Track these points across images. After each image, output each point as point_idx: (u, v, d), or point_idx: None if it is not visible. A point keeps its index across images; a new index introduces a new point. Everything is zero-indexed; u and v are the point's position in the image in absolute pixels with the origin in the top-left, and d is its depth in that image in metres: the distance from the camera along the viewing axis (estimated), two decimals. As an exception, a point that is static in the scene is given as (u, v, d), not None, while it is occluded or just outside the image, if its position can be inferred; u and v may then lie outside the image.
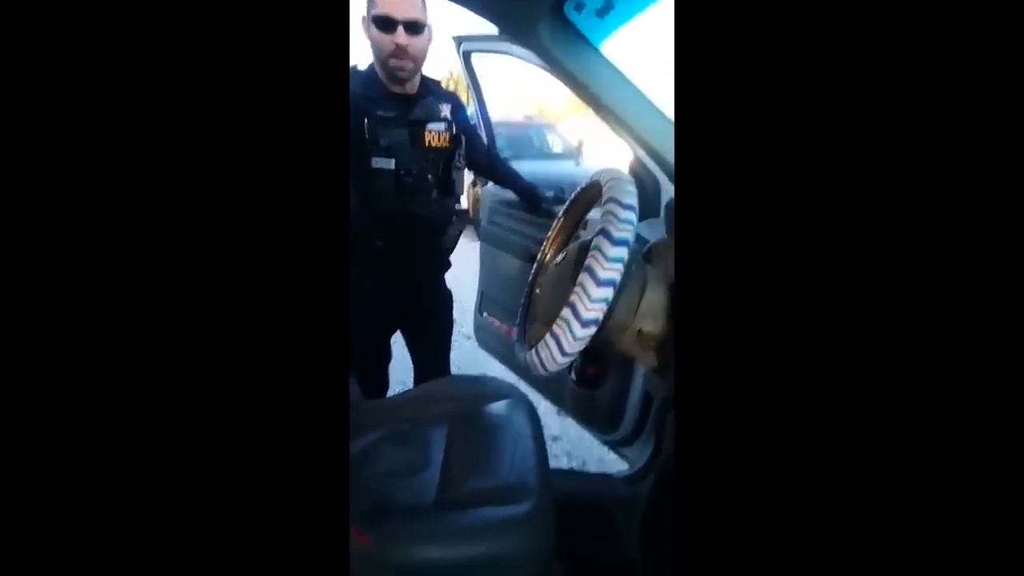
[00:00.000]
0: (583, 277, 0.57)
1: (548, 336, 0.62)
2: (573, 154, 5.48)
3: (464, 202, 3.64)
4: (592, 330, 0.58)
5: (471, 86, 1.53)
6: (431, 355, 1.31)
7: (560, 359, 0.62)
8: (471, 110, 1.43)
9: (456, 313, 2.41)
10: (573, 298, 0.58)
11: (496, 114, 1.64)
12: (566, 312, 0.59)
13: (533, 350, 0.66)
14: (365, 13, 0.98)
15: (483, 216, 1.60)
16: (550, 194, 1.37)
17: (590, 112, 1.06)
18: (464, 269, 1.65)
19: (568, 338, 0.59)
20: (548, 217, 1.31)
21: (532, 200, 1.36)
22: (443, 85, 1.16)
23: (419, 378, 1.30)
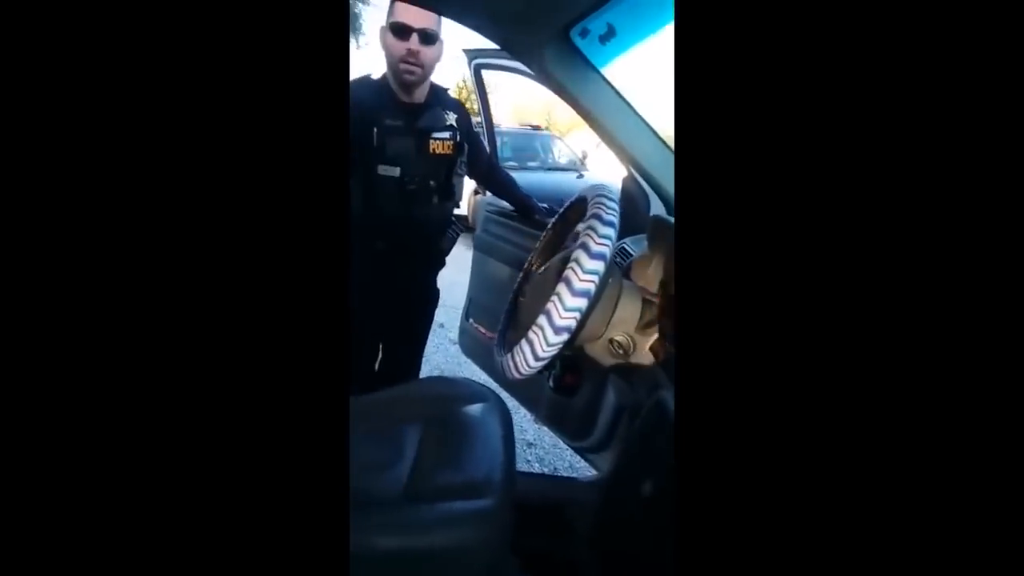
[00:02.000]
0: (560, 287, 0.61)
1: (523, 341, 0.65)
2: (576, 166, 5.54)
3: (465, 209, 3.67)
4: (564, 337, 0.62)
5: (478, 97, 1.58)
6: (404, 347, 1.34)
7: (533, 363, 0.65)
8: (476, 119, 1.48)
9: (445, 317, 2.44)
10: (549, 306, 0.61)
11: (505, 123, 1.69)
12: (541, 319, 0.62)
13: (509, 354, 0.69)
14: (384, 23, 1.04)
15: (478, 224, 1.63)
16: (544, 206, 1.41)
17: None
18: (459, 274, 1.69)
19: (542, 344, 0.63)
20: (541, 228, 1.34)
21: (526, 211, 1.41)
22: (454, 93, 1.21)
23: (383, 366, 1.32)
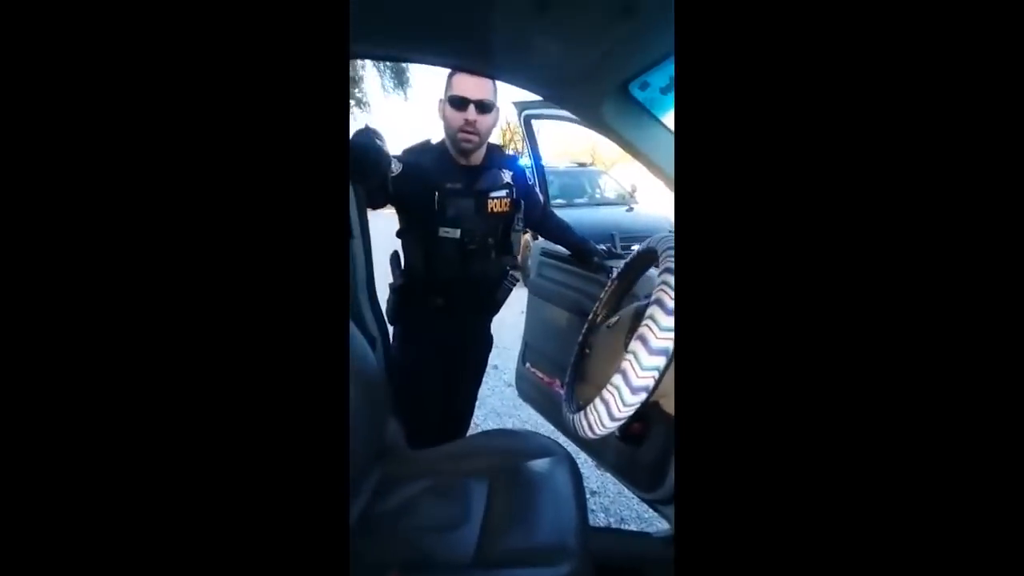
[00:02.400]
0: (635, 344, 0.59)
1: (598, 400, 0.63)
2: (625, 200, 5.51)
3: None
4: (642, 397, 0.60)
5: (529, 147, 1.62)
6: (458, 395, 1.34)
7: (608, 424, 0.63)
8: (526, 165, 1.51)
9: (498, 359, 2.46)
10: (624, 364, 0.60)
11: (549, 160, 1.71)
12: (617, 378, 0.60)
13: (581, 412, 0.67)
14: (443, 96, 1.11)
15: (532, 269, 1.64)
16: (602, 248, 1.40)
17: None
18: (510, 315, 1.69)
19: (617, 404, 0.61)
20: (599, 272, 1.34)
21: (583, 254, 1.40)
22: (497, 137, 1.26)
23: (437, 414, 1.32)
